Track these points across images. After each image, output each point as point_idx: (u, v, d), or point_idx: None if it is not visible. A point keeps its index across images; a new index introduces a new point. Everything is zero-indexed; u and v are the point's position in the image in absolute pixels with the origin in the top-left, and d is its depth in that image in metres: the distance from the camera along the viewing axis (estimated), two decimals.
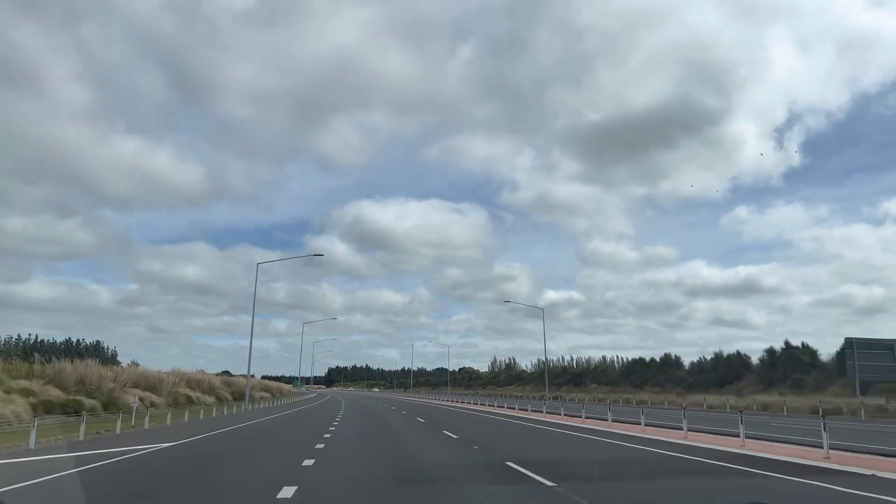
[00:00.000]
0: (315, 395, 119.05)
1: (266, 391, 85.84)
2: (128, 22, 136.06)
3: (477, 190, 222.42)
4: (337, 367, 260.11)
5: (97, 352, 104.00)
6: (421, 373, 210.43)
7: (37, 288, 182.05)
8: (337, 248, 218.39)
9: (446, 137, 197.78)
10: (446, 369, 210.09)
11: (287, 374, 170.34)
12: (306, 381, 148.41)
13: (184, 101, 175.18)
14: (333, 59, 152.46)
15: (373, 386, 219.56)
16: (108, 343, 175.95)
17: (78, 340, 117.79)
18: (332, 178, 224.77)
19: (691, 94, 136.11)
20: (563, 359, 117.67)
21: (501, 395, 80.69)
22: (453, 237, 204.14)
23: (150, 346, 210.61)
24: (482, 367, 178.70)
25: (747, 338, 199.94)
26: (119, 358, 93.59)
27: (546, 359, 74.05)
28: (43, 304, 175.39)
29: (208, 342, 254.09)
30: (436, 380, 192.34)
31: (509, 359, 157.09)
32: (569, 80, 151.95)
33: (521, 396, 77.28)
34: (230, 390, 61.03)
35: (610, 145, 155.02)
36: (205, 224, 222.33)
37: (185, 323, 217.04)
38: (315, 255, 46.02)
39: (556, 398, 67.81)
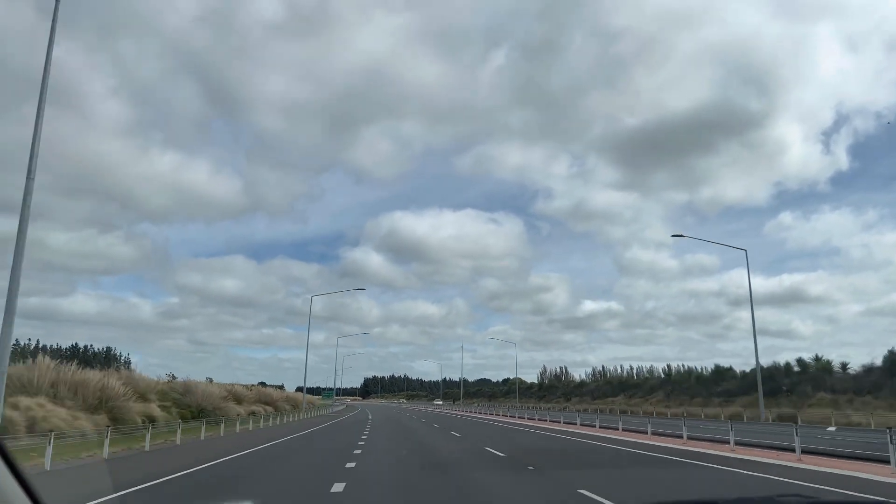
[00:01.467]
0: (343, 407, 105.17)
1: (266, 404, 60.46)
2: (162, 37, 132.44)
3: (512, 199, 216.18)
4: (374, 378, 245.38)
5: (108, 360, 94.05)
6: (463, 383, 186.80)
7: (81, 301, 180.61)
8: (372, 259, 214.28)
9: (480, 146, 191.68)
10: (489, 380, 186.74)
11: (323, 386, 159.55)
12: (337, 392, 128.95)
13: (218, 115, 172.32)
14: (365, 69, 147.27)
15: (412, 397, 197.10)
16: (127, 352, 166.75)
17: (86, 347, 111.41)
18: (367, 189, 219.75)
19: (732, 96, 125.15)
20: (618, 368, 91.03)
21: (635, 412, 53.13)
22: (489, 247, 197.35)
23: (191, 359, 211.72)
24: (526, 377, 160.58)
25: (794, 349, 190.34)
26: (136, 366, 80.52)
27: (757, 361, 44.82)
28: (87, 318, 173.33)
29: (247, 354, 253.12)
30: (490, 390, 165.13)
31: (560, 368, 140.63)
32: (604, 85, 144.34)
33: (672, 415, 48.92)
34: (175, 400, 36.33)
35: (648, 151, 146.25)
36: (242, 237, 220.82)
37: (225, 335, 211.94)
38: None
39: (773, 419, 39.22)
